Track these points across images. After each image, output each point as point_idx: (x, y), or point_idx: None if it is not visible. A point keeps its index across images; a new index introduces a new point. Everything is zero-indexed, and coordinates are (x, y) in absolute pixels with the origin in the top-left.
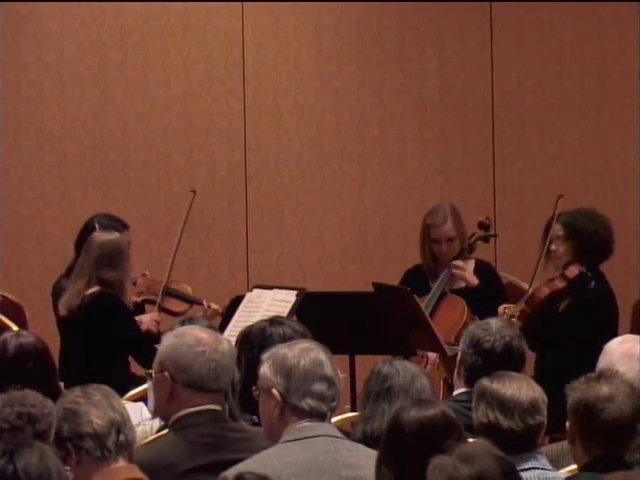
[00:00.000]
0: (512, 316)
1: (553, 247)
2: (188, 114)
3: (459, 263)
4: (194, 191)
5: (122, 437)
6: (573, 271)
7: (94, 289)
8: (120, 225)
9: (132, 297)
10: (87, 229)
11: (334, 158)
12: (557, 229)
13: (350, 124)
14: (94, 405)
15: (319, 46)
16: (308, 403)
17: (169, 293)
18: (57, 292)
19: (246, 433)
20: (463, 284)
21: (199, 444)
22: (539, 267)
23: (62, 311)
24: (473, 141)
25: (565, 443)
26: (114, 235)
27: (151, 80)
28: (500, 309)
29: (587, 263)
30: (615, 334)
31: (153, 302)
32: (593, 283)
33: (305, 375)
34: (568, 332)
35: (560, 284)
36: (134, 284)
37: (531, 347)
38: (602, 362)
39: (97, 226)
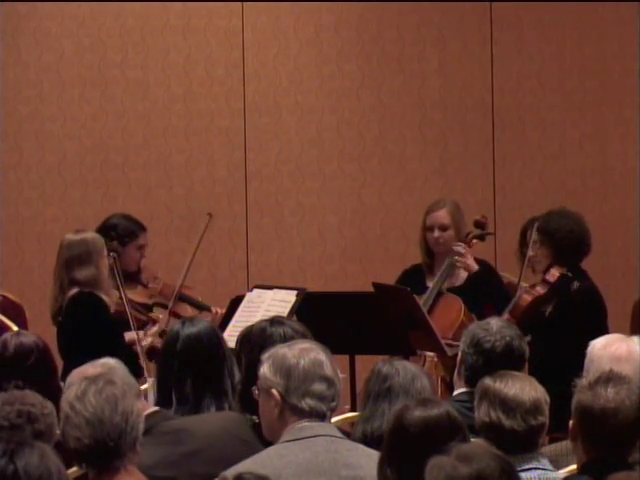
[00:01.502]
0: None
1: (531, 253)
2: (188, 114)
3: (461, 248)
4: (210, 214)
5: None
6: (554, 274)
7: (73, 291)
8: (137, 225)
9: (143, 299)
10: (103, 229)
11: (334, 158)
12: (532, 235)
13: (350, 124)
14: (85, 418)
15: (319, 46)
16: (308, 403)
17: (181, 298)
18: None
19: (186, 423)
20: (459, 282)
21: (163, 443)
22: (522, 275)
23: (51, 318)
24: (473, 141)
25: (565, 443)
26: (82, 234)
27: (151, 80)
28: None
29: (567, 264)
30: (606, 329)
31: (164, 305)
32: (576, 283)
33: (305, 375)
34: (559, 335)
35: (542, 290)
36: (145, 286)
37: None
38: (590, 369)
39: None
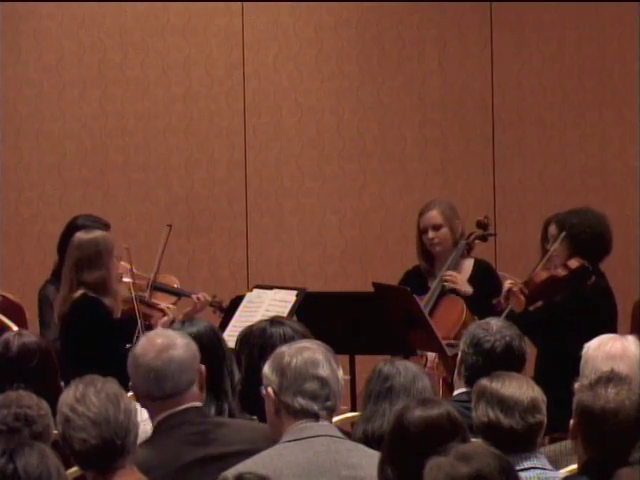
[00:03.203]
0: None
1: (549, 246)
2: (188, 114)
3: (451, 273)
4: (170, 225)
5: (119, 444)
6: (574, 263)
7: (78, 293)
8: (102, 225)
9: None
10: (69, 231)
11: (334, 158)
12: (552, 228)
13: (350, 124)
14: (89, 419)
15: (319, 46)
16: (299, 402)
17: (156, 288)
18: (41, 298)
19: (229, 427)
20: None
21: (186, 442)
22: (539, 266)
23: (56, 319)
24: (473, 141)
25: (565, 443)
26: (93, 234)
27: (151, 80)
28: (507, 284)
29: (587, 259)
30: (613, 331)
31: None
32: (594, 278)
33: (297, 374)
34: (566, 327)
35: (561, 272)
36: (119, 280)
37: (530, 338)
38: (586, 370)
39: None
